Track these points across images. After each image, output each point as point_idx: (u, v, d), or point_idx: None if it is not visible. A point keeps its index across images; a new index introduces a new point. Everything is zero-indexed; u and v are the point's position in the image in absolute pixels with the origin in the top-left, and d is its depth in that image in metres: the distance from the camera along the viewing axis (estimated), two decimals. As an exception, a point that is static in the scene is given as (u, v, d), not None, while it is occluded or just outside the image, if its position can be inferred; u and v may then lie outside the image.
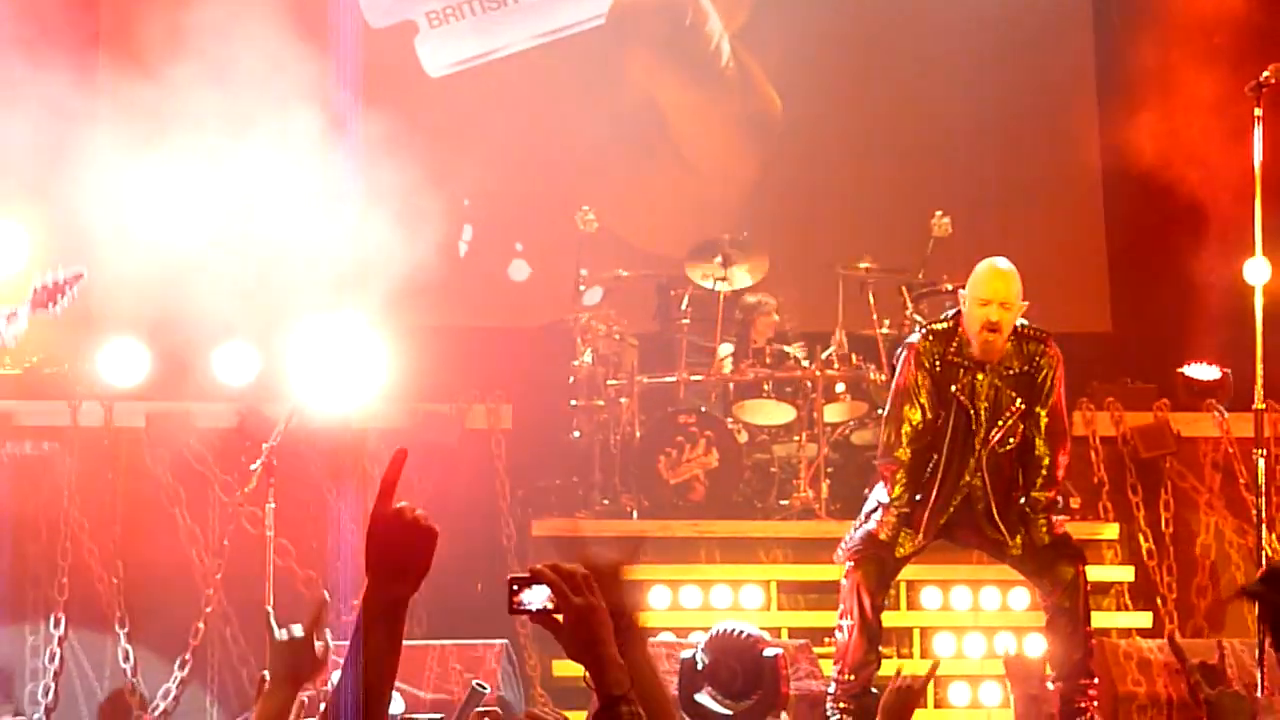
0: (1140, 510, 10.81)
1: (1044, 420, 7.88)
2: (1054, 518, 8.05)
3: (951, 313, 8.11)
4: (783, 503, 10.93)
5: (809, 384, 10.96)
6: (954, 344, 7.88)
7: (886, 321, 11.29)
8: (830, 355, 11.14)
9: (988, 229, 11.80)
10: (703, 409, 10.81)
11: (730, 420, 10.93)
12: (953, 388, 7.82)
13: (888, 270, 11.31)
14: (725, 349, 11.30)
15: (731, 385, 11.17)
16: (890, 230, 12.12)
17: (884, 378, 10.46)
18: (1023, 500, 7.95)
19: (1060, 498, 8.36)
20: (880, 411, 9.62)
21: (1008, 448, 7.85)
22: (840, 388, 11.20)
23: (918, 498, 7.94)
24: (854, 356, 11.22)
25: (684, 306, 11.43)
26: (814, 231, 12.57)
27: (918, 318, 10.88)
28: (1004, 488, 7.86)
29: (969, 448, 7.81)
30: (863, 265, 11.29)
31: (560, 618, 3.43)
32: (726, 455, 10.59)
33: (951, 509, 7.88)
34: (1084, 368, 10.52)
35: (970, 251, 8.77)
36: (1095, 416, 11.07)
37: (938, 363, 7.84)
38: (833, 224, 12.68)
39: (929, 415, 7.88)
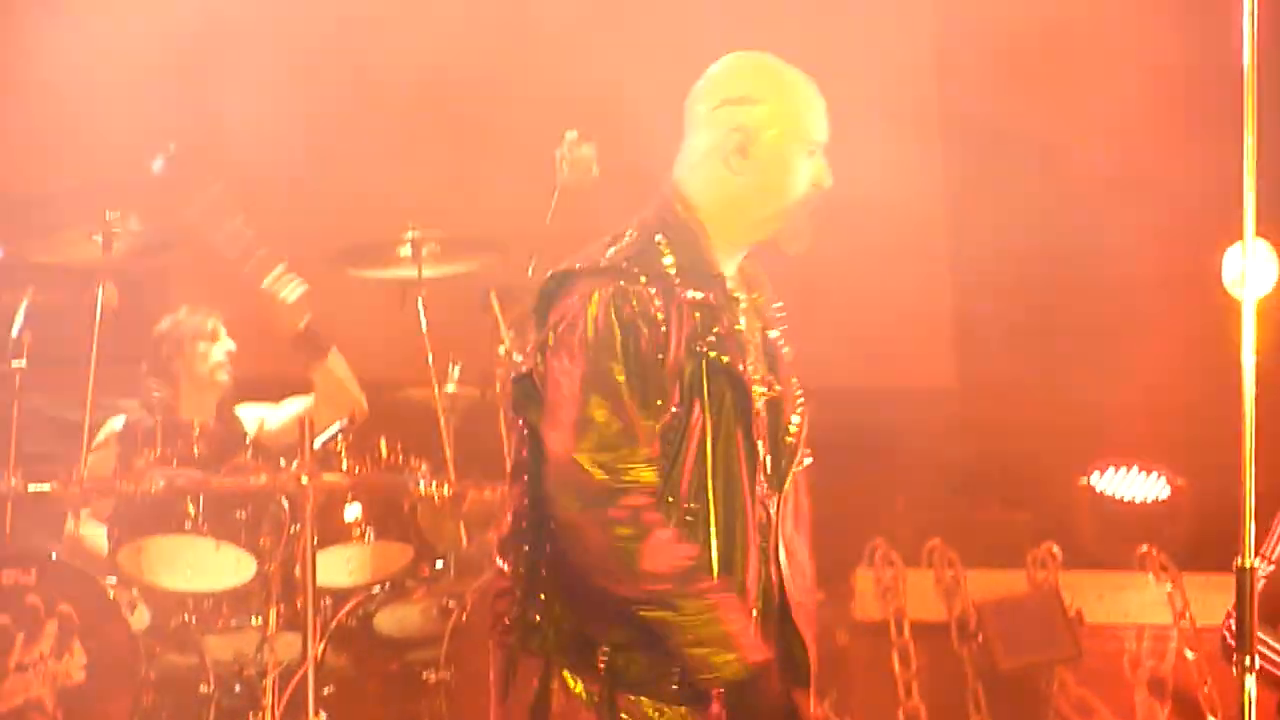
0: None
1: None
2: None
3: (645, 224, 4.16)
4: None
5: (285, 501, 6.78)
6: (676, 264, 4.11)
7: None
8: (337, 440, 6.85)
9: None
10: (53, 555, 7.18)
11: (113, 579, 7.04)
12: (708, 346, 4.05)
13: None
14: (112, 426, 7.32)
15: (118, 503, 7.13)
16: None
17: (450, 489, 6.68)
18: None
19: None
20: (439, 567, 6.66)
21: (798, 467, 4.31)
22: (353, 514, 6.89)
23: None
24: (385, 445, 6.81)
25: (21, 322, 7.09)
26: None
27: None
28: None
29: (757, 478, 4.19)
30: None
31: None
32: (106, 659, 6.89)
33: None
34: (885, 471, 7.42)
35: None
36: (901, 576, 7.34)
37: (673, 313, 4.06)
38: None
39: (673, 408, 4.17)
